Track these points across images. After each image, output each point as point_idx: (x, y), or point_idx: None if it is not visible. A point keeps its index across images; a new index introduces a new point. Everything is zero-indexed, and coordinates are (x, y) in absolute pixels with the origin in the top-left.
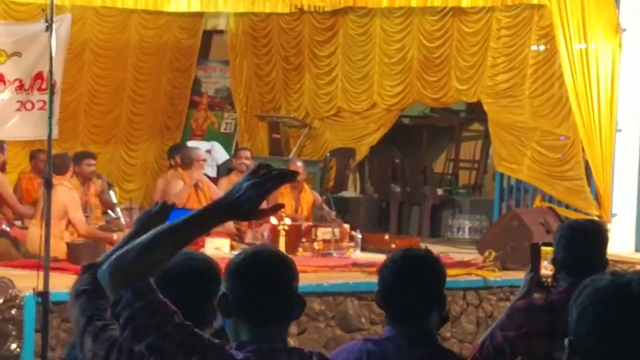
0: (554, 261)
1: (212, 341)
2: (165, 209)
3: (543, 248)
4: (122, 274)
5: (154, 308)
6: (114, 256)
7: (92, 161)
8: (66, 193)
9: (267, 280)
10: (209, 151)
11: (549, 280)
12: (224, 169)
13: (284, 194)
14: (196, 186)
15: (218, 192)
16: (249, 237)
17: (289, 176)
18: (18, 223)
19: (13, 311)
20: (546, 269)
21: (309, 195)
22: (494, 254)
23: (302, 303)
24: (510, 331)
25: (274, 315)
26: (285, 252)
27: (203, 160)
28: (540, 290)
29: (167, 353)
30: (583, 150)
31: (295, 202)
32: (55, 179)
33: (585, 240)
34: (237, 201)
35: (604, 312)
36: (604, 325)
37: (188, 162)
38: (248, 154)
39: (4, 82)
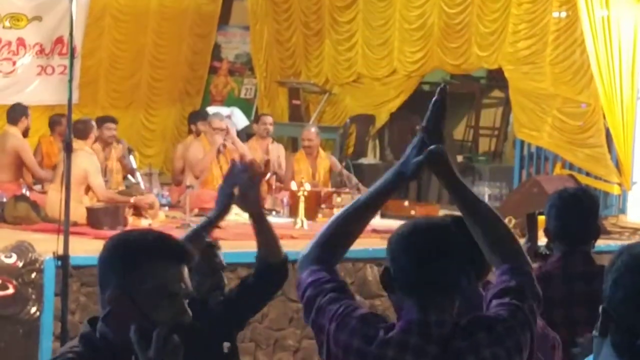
0: (546, 231)
1: (355, 310)
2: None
3: (540, 217)
4: (322, 246)
5: (328, 281)
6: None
7: (112, 125)
8: (87, 158)
9: (431, 253)
10: (228, 117)
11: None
12: (244, 135)
13: (299, 160)
14: (218, 151)
15: (246, 151)
16: (268, 203)
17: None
18: (37, 187)
19: (33, 275)
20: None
21: (325, 161)
22: (514, 221)
23: (470, 276)
24: None
25: (439, 290)
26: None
27: (216, 128)
28: (538, 259)
29: (318, 322)
30: (604, 118)
31: (311, 168)
32: (77, 144)
33: (575, 208)
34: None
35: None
36: None
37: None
38: (270, 119)
39: (25, 47)
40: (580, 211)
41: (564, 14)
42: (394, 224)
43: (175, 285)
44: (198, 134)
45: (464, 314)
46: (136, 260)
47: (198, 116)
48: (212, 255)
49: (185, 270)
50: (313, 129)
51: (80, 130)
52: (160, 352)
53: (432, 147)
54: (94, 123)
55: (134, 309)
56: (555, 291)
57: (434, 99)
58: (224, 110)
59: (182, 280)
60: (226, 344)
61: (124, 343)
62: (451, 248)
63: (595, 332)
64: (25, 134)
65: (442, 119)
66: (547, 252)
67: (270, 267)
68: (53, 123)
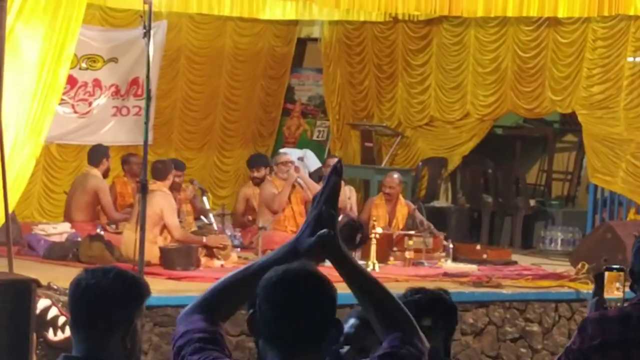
0: (631, 272)
1: None
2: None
3: (608, 273)
4: (201, 306)
5: (200, 330)
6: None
7: (178, 172)
8: (163, 198)
9: (296, 303)
10: (301, 159)
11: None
12: (316, 177)
13: (378, 206)
14: (293, 185)
15: (315, 189)
16: None
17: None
18: (112, 227)
19: None
20: (619, 290)
21: (404, 207)
22: (587, 266)
23: (339, 328)
24: (583, 344)
25: (303, 342)
26: (320, 274)
27: (284, 161)
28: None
29: None
30: None
31: (389, 215)
32: (155, 185)
33: None
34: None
35: None
36: None
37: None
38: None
39: (101, 88)
40: None
41: (638, 59)
42: (466, 267)
43: None
44: (254, 181)
45: None
46: None
47: (254, 163)
48: None
49: None
50: (396, 175)
51: (159, 170)
52: None
53: (321, 232)
54: (172, 165)
55: None
56: (634, 332)
57: (329, 177)
58: (297, 152)
59: None
60: None
61: None
62: (320, 299)
63: None
64: (105, 175)
65: (337, 197)
66: (612, 306)
67: None
68: (123, 162)
